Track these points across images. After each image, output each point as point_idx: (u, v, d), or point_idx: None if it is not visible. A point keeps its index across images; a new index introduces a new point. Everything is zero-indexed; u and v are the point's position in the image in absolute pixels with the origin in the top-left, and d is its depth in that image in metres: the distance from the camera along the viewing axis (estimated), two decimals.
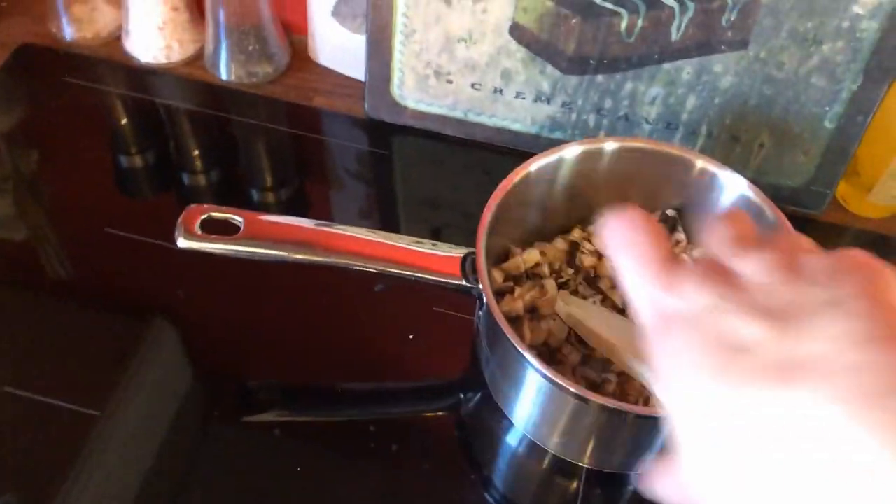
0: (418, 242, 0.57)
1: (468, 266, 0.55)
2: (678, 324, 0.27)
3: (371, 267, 0.55)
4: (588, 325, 0.53)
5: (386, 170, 0.81)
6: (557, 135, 0.75)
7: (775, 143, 0.71)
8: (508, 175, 0.58)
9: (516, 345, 0.49)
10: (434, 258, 0.56)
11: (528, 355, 0.49)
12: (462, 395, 0.63)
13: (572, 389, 0.49)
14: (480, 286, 0.53)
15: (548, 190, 0.61)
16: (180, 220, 0.54)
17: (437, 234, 0.71)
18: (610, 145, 0.60)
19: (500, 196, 0.56)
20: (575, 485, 0.58)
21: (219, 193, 0.77)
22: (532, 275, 0.62)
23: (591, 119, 0.73)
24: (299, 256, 0.55)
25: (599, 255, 0.62)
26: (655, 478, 0.32)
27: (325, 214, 0.77)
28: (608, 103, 0.72)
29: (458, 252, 0.56)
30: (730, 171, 0.58)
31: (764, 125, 0.70)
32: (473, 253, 0.54)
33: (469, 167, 0.79)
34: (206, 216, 0.54)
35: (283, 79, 0.82)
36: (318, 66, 0.84)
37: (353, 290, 0.68)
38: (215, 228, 0.55)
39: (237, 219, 0.54)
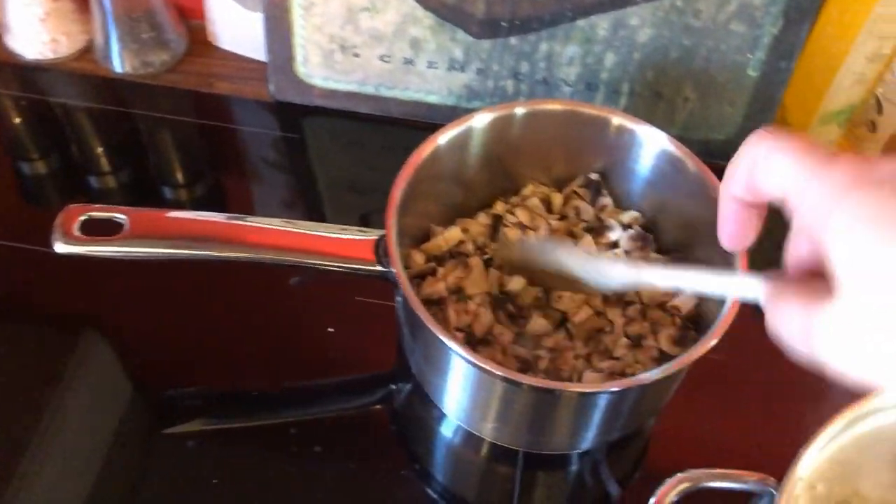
0: (327, 228, 0.52)
1: (381, 250, 0.51)
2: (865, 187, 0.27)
3: (275, 259, 0.51)
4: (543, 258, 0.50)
5: (302, 155, 0.76)
6: (476, 104, 0.71)
7: (700, 97, 0.68)
8: (416, 150, 0.54)
9: (435, 330, 0.46)
10: (344, 243, 0.52)
11: (448, 340, 0.46)
12: (390, 388, 0.59)
13: (499, 373, 0.46)
14: (394, 270, 0.49)
15: (462, 162, 0.57)
16: (56, 222, 0.49)
17: (365, 221, 0.67)
18: (520, 110, 0.56)
19: (408, 173, 0.52)
20: (513, 470, 0.54)
21: (130, 194, 0.72)
22: (456, 254, 0.58)
23: (510, 85, 0.70)
24: (195, 253, 0.50)
25: (524, 227, 0.59)
26: (787, 314, 0.30)
27: (246, 207, 0.72)
28: (525, 67, 0.68)
29: (371, 235, 0.52)
30: (647, 125, 0.55)
31: (686, 78, 0.67)
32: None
33: (388, 146, 0.75)
34: (86, 216, 0.50)
35: (182, 66, 0.77)
36: (218, 50, 0.78)
37: (268, 284, 0.63)
38: (100, 229, 0.50)
39: (121, 217, 0.50)
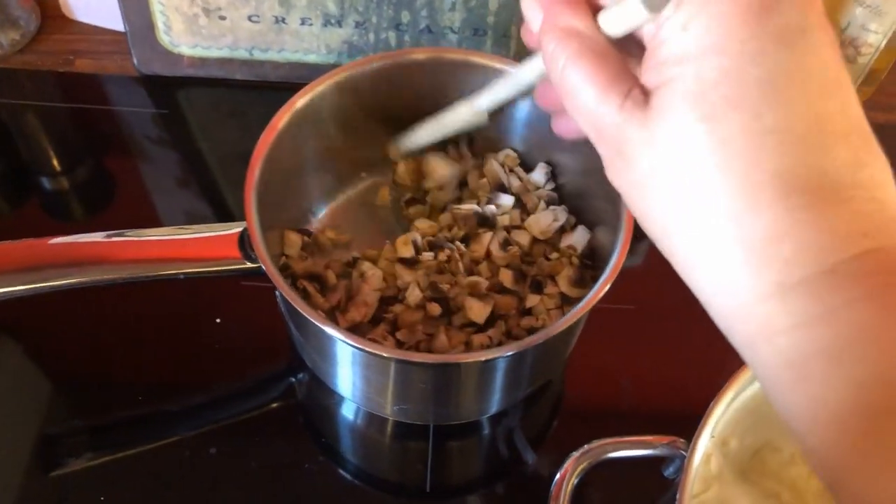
0: (181, 229, 0.47)
1: (247, 242, 0.46)
2: None
3: (112, 279, 0.45)
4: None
5: (184, 130, 0.70)
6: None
7: None
8: (264, 131, 0.49)
9: (308, 315, 0.42)
10: (205, 243, 0.46)
11: (331, 329, 0.42)
12: (287, 380, 0.55)
13: (389, 355, 0.43)
14: (262, 266, 0.44)
15: (326, 130, 0.53)
16: None
17: None
18: (374, 65, 0.51)
19: (259, 159, 0.47)
20: (424, 444, 0.52)
21: (5, 190, 0.66)
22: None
23: (392, 37, 0.65)
24: (60, 283, 0.44)
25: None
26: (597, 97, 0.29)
27: (138, 192, 0.66)
28: (406, 17, 0.64)
29: (234, 229, 0.46)
30: (517, 64, 0.51)
31: None
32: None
33: (271, 112, 0.69)
34: None
35: (36, 45, 0.70)
36: (74, 23, 0.72)
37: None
38: None
39: None
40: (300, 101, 0.50)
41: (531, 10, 0.31)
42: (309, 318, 0.41)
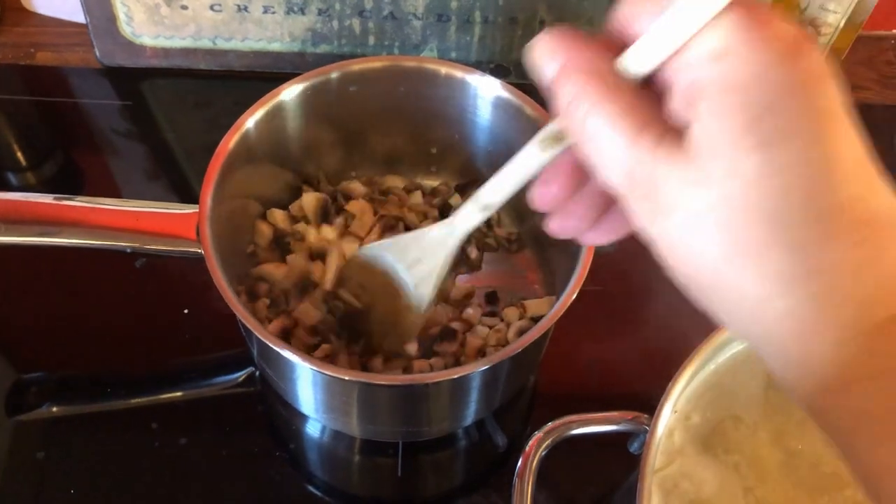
0: (137, 202, 0.46)
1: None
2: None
3: (81, 241, 0.44)
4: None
5: (150, 122, 0.70)
6: (324, 48, 0.66)
7: (556, 19, 0.65)
8: (224, 136, 0.48)
9: (251, 327, 0.41)
10: (158, 219, 0.45)
11: (284, 350, 0.40)
12: (251, 398, 0.54)
13: (350, 378, 0.41)
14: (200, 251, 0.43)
15: (291, 136, 0.53)
16: None
17: None
18: (335, 73, 0.51)
19: (217, 167, 0.46)
20: (391, 461, 0.51)
21: None
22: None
23: (356, 24, 0.65)
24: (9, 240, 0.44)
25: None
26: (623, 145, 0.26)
27: (106, 185, 0.66)
28: (369, 3, 0.63)
29: (194, 209, 0.45)
30: (478, 73, 0.51)
31: (539, 0, 0.63)
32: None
33: (239, 101, 0.68)
34: None
35: None
36: (34, 16, 0.71)
37: (113, 268, 0.58)
38: None
39: None
40: (258, 111, 0.50)
41: (547, 58, 0.28)
42: (239, 316, 0.41)
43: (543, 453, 0.40)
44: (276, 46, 0.66)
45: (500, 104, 0.51)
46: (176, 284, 0.58)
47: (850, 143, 0.24)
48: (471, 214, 0.39)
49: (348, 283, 0.50)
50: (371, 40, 0.66)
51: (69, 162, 0.67)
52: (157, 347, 0.56)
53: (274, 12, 0.64)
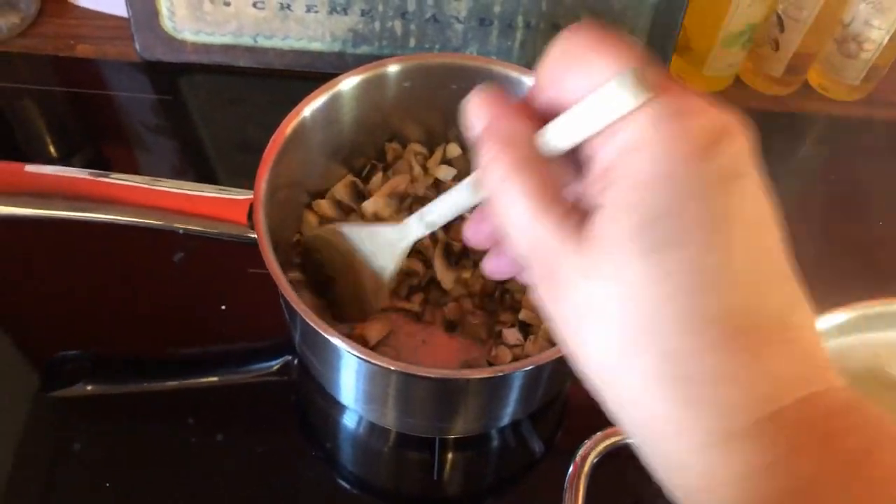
0: (200, 187, 0.47)
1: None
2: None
3: (139, 220, 0.45)
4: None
5: (184, 117, 0.70)
6: (364, 49, 0.66)
7: None
8: (282, 122, 0.48)
9: (310, 321, 0.40)
10: (215, 203, 0.46)
11: (329, 335, 0.40)
12: (286, 387, 0.54)
13: (393, 367, 0.40)
14: (254, 236, 0.44)
15: (345, 127, 0.53)
16: None
17: None
18: (393, 68, 0.51)
19: (274, 152, 0.47)
20: (429, 456, 0.51)
21: None
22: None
23: (398, 26, 0.65)
24: (53, 213, 0.45)
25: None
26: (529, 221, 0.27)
27: None
28: (412, 5, 0.63)
29: (249, 195, 0.46)
30: (531, 74, 0.51)
31: (582, 6, 0.63)
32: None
33: (274, 100, 0.70)
34: None
35: (37, 29, 0.70)
36: (75, 8, 0.71)
37: (151, 262, 0.58)
38: None
39: None
40: (315, 101, 0.50)
41: (475, 116, 0.28)
42: (289, 299, 0.41)
43: (593, 464, 0.39)
44: (316, 46, 0.66)
45: None
46: (216, 271, 0.58)
47: (747, 250, 0.24)
48: (417, 227, 0.40)
49: (316, 254, 0.50)
50: (412, 42, 0.66)
51: (99, 154, 0.67)
52: (193, 332, 0.56)
53: (317, 11, 0.64)
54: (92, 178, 0.46)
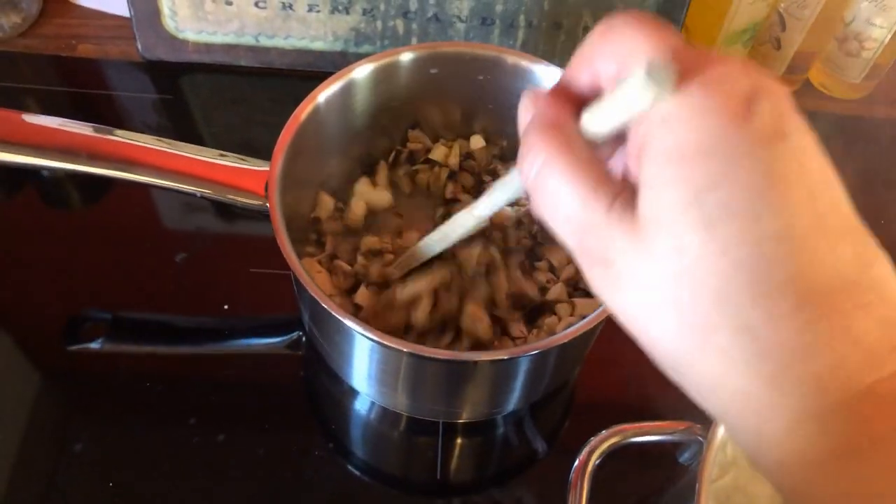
0: (222, 155, 0.48)
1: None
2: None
3: (156, 180, 0.46)
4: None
5: (186, 117, 0.70)
6: (366, 48, 0.66)
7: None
8: (298, 107, 0.48)
9: (319, 298, 0.41)
10: (234, 172, 0.47)
11: (338, 314, 0.41)
12: (294, 363, 0.55)
13: (402, 348, 0.41)
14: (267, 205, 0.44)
15: (359, 115, 0.53)
16: None
17: None
18: (406, 56, 0.51)
19: (291, 132, 0.47)
20: (434, 440, 0.51)
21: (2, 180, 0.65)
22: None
23: (400, 25, 0.65)
24: (56, 164, 0.46)
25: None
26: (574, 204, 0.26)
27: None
28: (414, 4, 0.63)
29: (264, 167, 0.47)
30: (544, 63, 0.51)
31: (584, 6, 0.63)
32: None
33: (276, 99, 0.70)
34: None
35: (38, 29, 0.70)
36: (77, 8, 0.71)
37: (152, 263, 0.58)
38: None
39: None
40: (330, 87, 0.50)
41: (522, 114, 0.28)
42: (311, 291, 0.41)
43: (597, 462, 0.40)
44: (318, 45, 0.66)
45: None
46: (216, 279, 0.58)
47: (808, 210, 0.23)
48: (466, 218, 0.41)
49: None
50: (414, 41, 0.66)
51: None
52: (206, 310, 0.56)
53: (318, 11, 0.64)
54: (107, 136, 0.47)
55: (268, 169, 0.46)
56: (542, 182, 0.26)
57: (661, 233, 0.23)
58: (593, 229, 0.25)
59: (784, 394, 0.23)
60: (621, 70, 0.25)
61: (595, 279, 0.26)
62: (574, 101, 0.27)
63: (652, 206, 0.24)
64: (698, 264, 0.23)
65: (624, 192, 0.25)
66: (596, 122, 0.25)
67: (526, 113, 0.27)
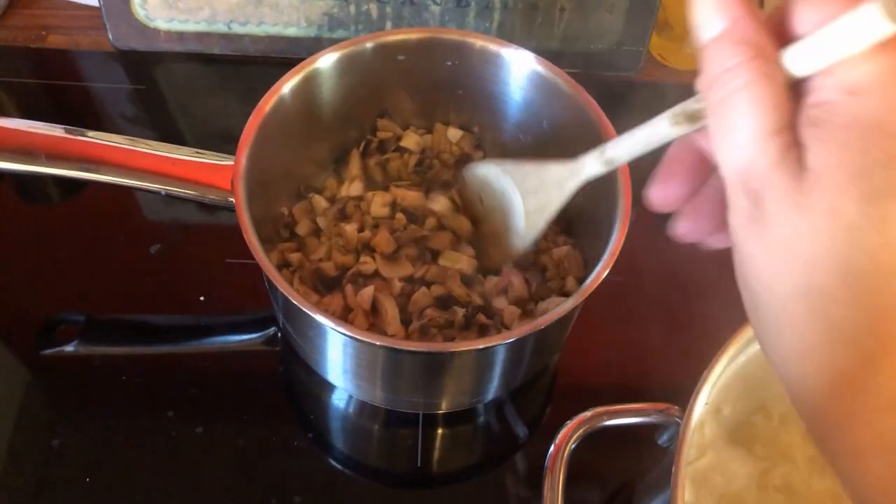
0: (180, 150, 0.47)
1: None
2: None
3: (118, 179, 0.46)
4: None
5: (159, 107, 0.69)
6: (340, 33, 0.65)
7: (576, 5, 0.64)
8: (262, 98, 0.48)
9: (280, 287, 0.40)
10: (198, 167, 0.46)
11: (312, 311, 0.40)
12: (272, 358, 0.54)
13: (378, 343, 0.40)
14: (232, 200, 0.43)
15: (325, 105, 0.52)
16: None
17: None
18: (370, 43, 0.50)
19: (255, 126, 0.46)
20: (413, 431, 0.51)
21: None
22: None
23: (374, 9, 0.64)
24: (29, 168, 0.45)
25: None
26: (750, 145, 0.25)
27: None
28: None
29: (231, 161, 0.46)
30: (513, 47, 0.50)
31: None
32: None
33: (252, 87, 0.67)
34: None
35: (7, 20, 0.69)
36: None
37: (127, 255, 0.57)
38: None
39: None
40: (293, 78, 0.49)
41: (712, 14, 0.26)
42: (265, 269, 0.41)
43: (574, 445, 0.39)
44: (291, 31, 0.65)
45: (535, 78, 0.50)
46: (191, 270, 0.57)
47: None
48: (594, 164, 0.38)
49: (466, 191, 0.50)
50: (388, 25, 0.65)
51: None
52: (182, 302, 0.56)
53: None
54: (68, 136, 0.47)
55: (231, 163, 0.45)
56: (732, 105, 0.25)
57: (825, 192, 0.23)
58: (758, 170, 0.24)
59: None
60: (825, 18, 0.24)
61: (739, 214, 0.25)
62: (772, 32, 0.25)
63: (824, 164, 0.24)
64: (850, 233, 0.23)
65: (798, 146, 0.24)
66: (809, 55, 0.24)
67: (713, 17, 0.26)
